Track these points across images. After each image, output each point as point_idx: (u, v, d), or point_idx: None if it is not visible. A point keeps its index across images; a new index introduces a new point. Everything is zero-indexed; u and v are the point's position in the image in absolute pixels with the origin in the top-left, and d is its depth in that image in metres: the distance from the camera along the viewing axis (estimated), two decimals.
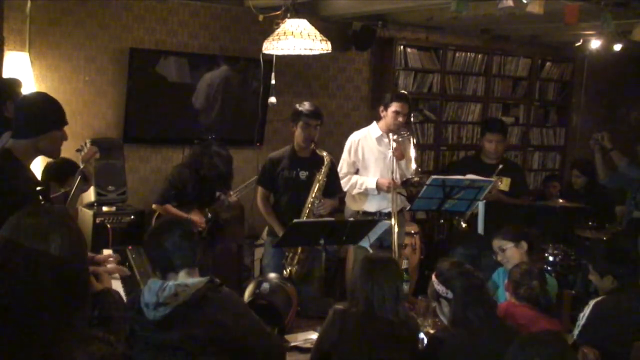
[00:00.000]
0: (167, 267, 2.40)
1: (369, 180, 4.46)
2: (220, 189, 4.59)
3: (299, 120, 4.19)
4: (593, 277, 3.23)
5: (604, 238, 5.16)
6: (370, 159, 4.52)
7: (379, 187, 4.41)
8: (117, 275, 2.99)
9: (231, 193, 4.63)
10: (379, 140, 4.52)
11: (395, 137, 4.31)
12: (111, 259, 2.62)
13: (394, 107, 4.38)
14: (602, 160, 5.22)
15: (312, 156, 4.26)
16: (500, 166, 4.69)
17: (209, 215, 4.63)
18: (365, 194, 4.51)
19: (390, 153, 4.30)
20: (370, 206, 4.53)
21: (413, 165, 4.45)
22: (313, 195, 4.15)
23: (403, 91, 4.58)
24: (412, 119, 4.74)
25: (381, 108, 4.49)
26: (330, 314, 2.69)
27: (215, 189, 4.63)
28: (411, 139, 4.47)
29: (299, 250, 4.10)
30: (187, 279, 2.36)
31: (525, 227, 3.77)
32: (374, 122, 4.59)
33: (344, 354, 2.58)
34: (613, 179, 5.24)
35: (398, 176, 4.32)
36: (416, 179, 4.28)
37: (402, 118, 4.36)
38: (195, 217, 4.56)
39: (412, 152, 4.44)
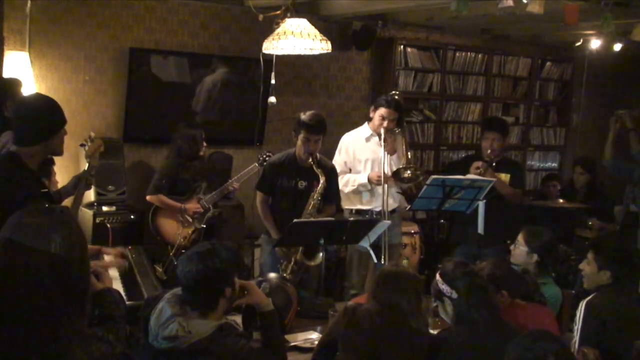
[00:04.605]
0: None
1: (360, 176, 4.46)
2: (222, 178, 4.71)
3: (300, 132, 4.13)
4: (588, 267, 3.12)
5: (615, 234, 5.10)
6: (361, 158, 4.53)
7: (370, 181, 4.41)
8: (117, 275, 3.00)
9: (232, 181, 4.73)
10: (368, 139, 4.53)
11: (384, 132, 4.31)
12: (109, 254, 2.63)
13: (380, 111, 4.39)
14: (614, 140, 5.15)
15: (312, 166, 4.23)
16: (494, 163, 4.67)
17: (212, 209, 4.66)
18: (358, 191, 4.51)
19: (380, 152, 4.30)
20: (362, 204, 4.53)
21: (404, 162, 4.45)
22: (308, 212, 4.11)
23: (396, 97, 4.49)
24: (404, 123, 4.65)
25: (372, 108, 4.51)
26: (340, 310, 2.69)
27: (203, 176, 4.78)
28: (403, 136, 4.45)
29: (292, 262, 4.04)
30: (196, 322, 2.26)
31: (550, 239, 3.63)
32: (366, 123, 4.61)
33: (350, 345, 2.55)
34: (617, 162, 5.11)
35: (389, 171, 4.32)
36: (407, 173, 4.24)
37: (387, 123, 4.34)
38: (191, 205, 4.61)
39: (403, 149, 4.43)
